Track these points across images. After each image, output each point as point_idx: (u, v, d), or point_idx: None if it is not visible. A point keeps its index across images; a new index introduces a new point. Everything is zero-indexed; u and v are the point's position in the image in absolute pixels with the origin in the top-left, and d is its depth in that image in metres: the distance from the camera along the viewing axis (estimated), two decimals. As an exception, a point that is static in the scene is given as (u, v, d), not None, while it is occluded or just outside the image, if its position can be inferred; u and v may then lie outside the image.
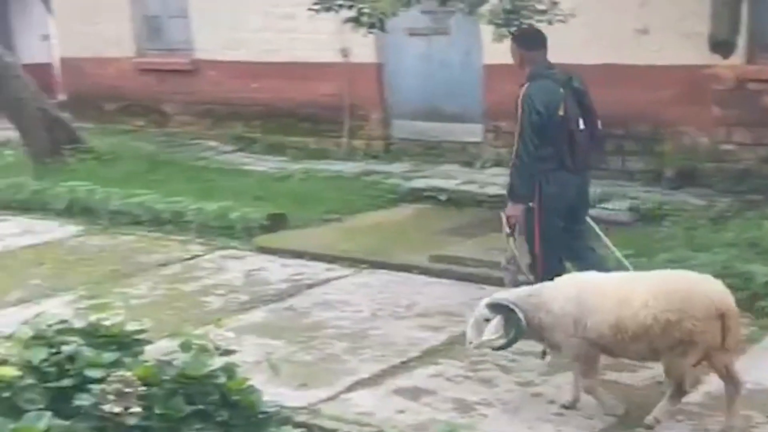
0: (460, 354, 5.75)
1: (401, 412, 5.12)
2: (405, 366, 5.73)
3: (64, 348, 3.68)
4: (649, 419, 4.75)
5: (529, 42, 6.11)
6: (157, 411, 3.48)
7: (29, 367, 3.48)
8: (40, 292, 7.33)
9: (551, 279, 5.24)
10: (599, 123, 6.09)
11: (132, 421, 3.34)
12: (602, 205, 8.32)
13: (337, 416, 5.04)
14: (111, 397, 3.32)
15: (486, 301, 5.02)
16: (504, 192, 7.23)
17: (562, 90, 5.86)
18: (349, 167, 10.76)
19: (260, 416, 3.90)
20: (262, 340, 6.16)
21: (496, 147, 10.29)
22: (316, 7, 7.47)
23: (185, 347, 4.01)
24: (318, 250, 7.99)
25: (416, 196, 9.52)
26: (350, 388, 5.44)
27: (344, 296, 6.99)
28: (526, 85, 5.87)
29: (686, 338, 4.56)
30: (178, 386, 3.73)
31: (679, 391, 4.75)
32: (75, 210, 9.71)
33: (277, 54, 11.99)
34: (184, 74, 13.09)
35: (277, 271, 7.69)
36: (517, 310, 4.86)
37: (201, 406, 3.63)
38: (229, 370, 4.02)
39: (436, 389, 5.38)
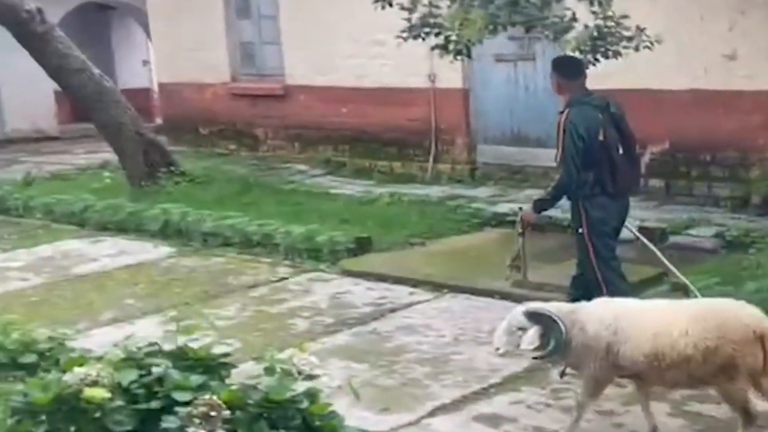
0: (542, 381, 5.79)
1: (481, 438, 5.17)
2: (486, 392, 5.77)
3: (154, 370, 3.81)
4: None
5: (569, 70, 6.32)
6: (242, 435, 3.55)
7: (119, 389, 3.61)
8: (133, 313, 7.59)
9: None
10: (636, 147, 6.27)
11: (217, 444, 3.40)
12: (687, 232, 8.25)
13: (417, 442, 5.11)
14: (197, 420, 3.40)
15: (523, 308, 4.95)
16: None
17: (601, 115, 6.06)
18: (434, 191, 10.87)
19: (342, 441, 3.90)
20: (345, 363, 6.28)
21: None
22: (404, 34, 7.61)
23: (269, 371, 4.09)
24: (402, 274, 8.10)
25: (500, 220, 9.56)
26: (431, 414, 5.51)
27: (426, 320, 7.08)
28: (566, 111, 6.06)
29: (728, 363, 4.63)
30: (261, 410, 3.76)
31: (749, 417, 4.75)
32: (169, 231, 10.00)
33: (366, 79, 12.19)
34: (275, 99, 13.40)
35: (361, 294, 7.82)
36: (559, 321, 4.81)
37: (283, 431, 3.67)
38: (312, 394, 4.05)
39: (517, 416, 5.41)
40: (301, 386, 4.02)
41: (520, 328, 4.88)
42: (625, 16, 7.19)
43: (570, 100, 6.16)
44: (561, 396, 5.62)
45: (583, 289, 6.16)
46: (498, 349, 4.98)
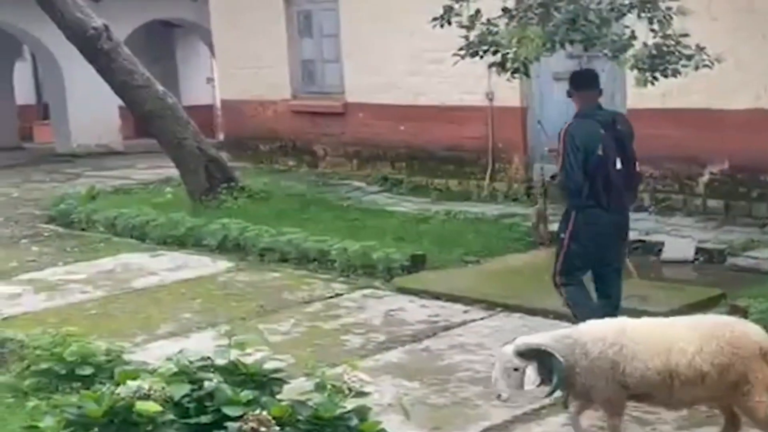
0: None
1: (531, 460, 5.15)
2: (537, 413, 5.71)
3: (206, 384, 3.86)
4: None
5: (577, 81, 6.52)
6: (291, 451, 3.58)
7: (171, 403, 3.66)
8: (190, 326, 7.69)
9: (574, 308, 6.13)
10: (637, 166, 6.43)
11: (266, 460, 3.43)
12: (747, 254, 8.12)
13: (467, 461, 5.10)
14: None
15: (512, 348, 4.77)
16: (643, 238, 8.93)
17: (603, 131, 6.25)
18: (490, 209, 10.85)
19: (392, 460, 3.92)
20: (397, 381, 6.29)
21: (638, 192, 10.15)
22: (461, 53, 7.63)
23: (320, 387, 4.13)
24: (456, 292, 8.10)
25: (556, 239, 9.49)
26: (482, 433, 5.50)
27: (479, 339, 7.06)
28: (568, 123, 6.36)
29: (741, 379, 4.64)
30: (311, 427, 3.80)
31: None
32: (227, 246, 10.11)
33: (424, 97, 12.24)
34: (335, 116, 13.52)
35: (415, 311, 7.83)
36: (555, 353, 4.68)
37: None
38: (361, 412, 4.07)
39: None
40: (351, 403, 4.05)
41: (516, 369, 4.70)
42: (684, 35, 7.13)
43: (577, 112, 6.42)
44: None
45: (605, 297, 6.43)
46: (500, 396, 4.80)
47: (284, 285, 8.85)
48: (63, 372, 6.00)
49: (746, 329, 4.81)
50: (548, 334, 4.91)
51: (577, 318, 6.21)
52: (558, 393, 4.85)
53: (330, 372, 4.41)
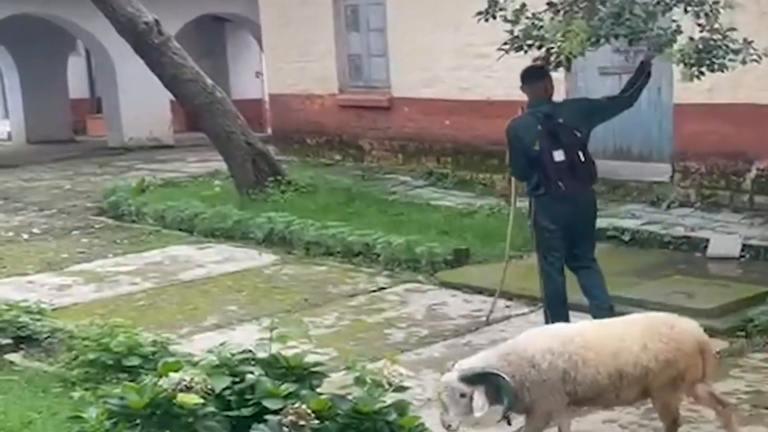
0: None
1: (572, 457, 5.12)
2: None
3: (247, 377, 3.92)
4: None
5: (525, 75, 6.88)
6: (330, 445, 3.61)
7: (212, 395, 3.72)
8: (235, 319, 7.79)
9: (555, 294, 6.46)
10: (581, 155, 6.59)
11: (304, 454, 3.44)
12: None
13: (507, 458, 5.10)
14: (286, 428, 3.49)
15: (454, 375, 4.51)
16: (689, 234, 9.06)
17: (539, 126, 6.55)
18: (536, 204, 10.78)
19: (429, 455, 3.88)
20: (439, 375, 6.30)
21: (684, 188, 10.12)
22: (505, 47, 7.62)
23: (360, 382, 4.15)
24: (498, 287, 8.08)
25: (599, 235, 9.42)
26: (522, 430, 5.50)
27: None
28: (512, 119, 6.81)
29: (679, 375, 4.71)
30: (350, 421, 3.83)
31: (675, 427, 4.85)
32: (273, 239, 10.22)
33: (470, 92, 12.22)
34: (380, 111, 13.55)
35: (457, 306, 7.86)
36: (501, 374, 4.46)
37: None
38: (400, 407, 4.09)
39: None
40: (390, 398, 4.07)
41: (462, 395, 4.45)
42: (732, 29, 7.04)
43: (526, 106, 6.82)
44: (655, 417, 5.51)
45: (592, 298, 6.67)
46: (450, 426, 4.45)
47: (329, 278, 8.92)
48: (110, 363, 6.11)
49: (686, 325, 4.86)
50: (491, 353, 4.72)
51: (542, 291, 6.76)
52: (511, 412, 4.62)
53: (371, 366, 4.46)
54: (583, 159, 6.62)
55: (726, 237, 8.95)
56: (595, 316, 6.31)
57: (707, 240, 8.94)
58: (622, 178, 10.80)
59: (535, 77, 6.83)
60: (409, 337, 7.20)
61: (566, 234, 6.65)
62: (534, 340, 4.76)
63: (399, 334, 7.29)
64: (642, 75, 6.80)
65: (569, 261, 6.73)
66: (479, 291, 8.12)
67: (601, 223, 9.65)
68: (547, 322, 6.49)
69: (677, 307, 7.06)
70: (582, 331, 4.84)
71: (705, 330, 6.36)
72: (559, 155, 6.56)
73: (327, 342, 6.89)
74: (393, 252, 9.12)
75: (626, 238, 9.34)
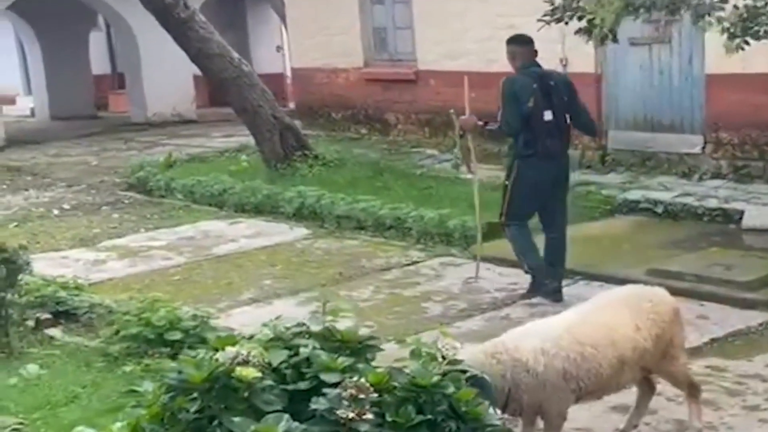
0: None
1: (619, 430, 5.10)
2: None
3: (302, 351, 3.90)
4: (696, 425, 4.89)
5: (519, 40, 7.18)
6: (389, 418, 3.51)
7: (269, 369, 3.72)
8: (272, 293, 7.81)
9: (514, 244, 7.01)
10: (568, 118, 7.02)
11: (364, 427, 3.39)
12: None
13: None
14: (346, 402, 3.47)
15: None
16: (723, 206, 9.14)
17: (534, 85, 6.89)
18: (566, 177, 10.73)
19: (487, 429, 3.76)
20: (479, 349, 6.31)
21: (716, 159, 10.06)
22: (546, 18, 7.55)
23: (415, 355, 4.12)
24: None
25: (631, 207, 9.44)
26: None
27: (559, 308, 6.99)
28: (506, 77, 7.06)
29: (669, 345, 4.75)
30: (408, 394, 3.79)
31: (695, 389, 4.91)
32: (304, 213, 10.23)
33: (496, 64, 12.09)
34: (406, 84, 13.49)
35: (493, 279, 7.86)
36: (482, 374, 4.08)
37: (430, 416, 3.59)
38: (456, 380, 4.06)
39: (657, 408, 5.28)
40: (444, 371, 4.03)
41: None
42: (774, -4, 6.96)
43: (516, 69, 7.08)
44: (703, 389, 5.44)
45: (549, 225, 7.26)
46: None
47: (362, 252, 8.92)
48: (152, 337, 6.15)
49: (661, 295, 4.86)
50: (477, 349, 4.46)
51: (516, 256, 7.25)
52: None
53: (422, 339, 4.44)
54: (567, 122, 7.01)
55: (761, 208, 8.90)
56: (550, 243, 7.17)
57: (742, 212, 8.89)
58: (653, 150, 10.75)
59: (526, 41, 7.15)
60: (447, 310, 7.21)
61: (542, 198, 7.06)
62: (523, 342, 4.50)
63: (436, 307, 7.30)
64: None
65: (541, 210, 7.21)
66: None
67: (633, 195, 9.69)
68: (526, 272, 7.29)
69: (717, 280, 7.09)
70: (568, 327, 4.59)
71: (744, 303, 6.48)
72: (548, 115, 6.93)
73: (365, 315, 6.90)
74: (426, 226, 9.11)
75: (659, 210, 9.30)
